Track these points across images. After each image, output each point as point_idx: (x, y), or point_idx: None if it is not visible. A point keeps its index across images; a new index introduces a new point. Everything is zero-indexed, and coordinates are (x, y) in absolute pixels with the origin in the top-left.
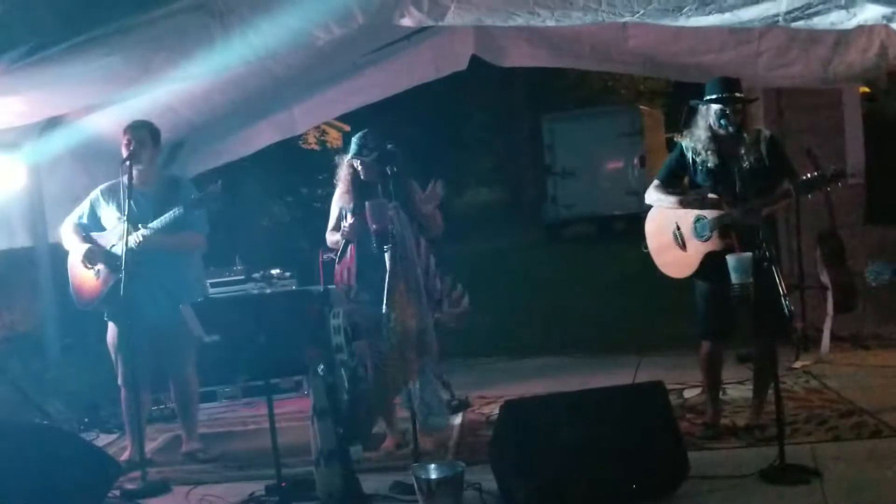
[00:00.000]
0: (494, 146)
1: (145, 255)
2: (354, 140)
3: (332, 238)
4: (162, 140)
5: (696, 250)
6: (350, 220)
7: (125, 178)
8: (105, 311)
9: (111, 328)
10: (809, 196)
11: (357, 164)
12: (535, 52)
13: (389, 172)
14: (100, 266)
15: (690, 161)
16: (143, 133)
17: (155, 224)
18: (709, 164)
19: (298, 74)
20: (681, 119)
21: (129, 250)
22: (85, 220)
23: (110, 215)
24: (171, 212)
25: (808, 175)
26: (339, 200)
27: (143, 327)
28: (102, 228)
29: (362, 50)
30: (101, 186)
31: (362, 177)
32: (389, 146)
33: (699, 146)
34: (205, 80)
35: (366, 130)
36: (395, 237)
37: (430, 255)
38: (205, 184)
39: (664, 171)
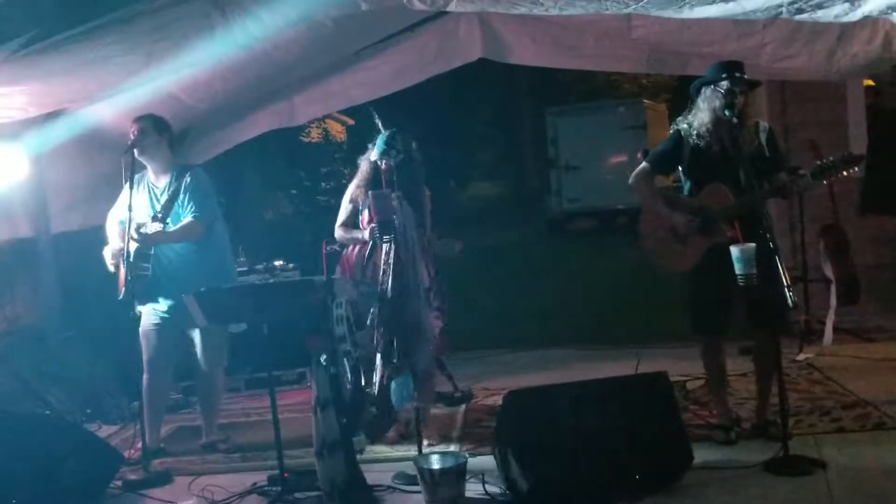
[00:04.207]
0: (498, 140)
1: (156, 247)
2: (381, 139)
3: (341, 233)
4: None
5: (698, 243)
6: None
7: (126, 169)
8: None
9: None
10: (825, 182)
11: (381, 163)
12: (539, 51)
13: (393, 163)
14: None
15: (690, 148)
16: (144, 123)
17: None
18: (714, 151)
19: (300, 63)
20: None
21: (134, 242)
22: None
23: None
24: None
25: (824, 160)
26: (352, 195)
27: (170, 319)
28: None
29: (364, 41)
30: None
31: (383, 177)
32: (415, 147)
33: (702, 130)
34: (206, 68)
35: (394, 130)
36: (396, 228)
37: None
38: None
39: (657, 156)
